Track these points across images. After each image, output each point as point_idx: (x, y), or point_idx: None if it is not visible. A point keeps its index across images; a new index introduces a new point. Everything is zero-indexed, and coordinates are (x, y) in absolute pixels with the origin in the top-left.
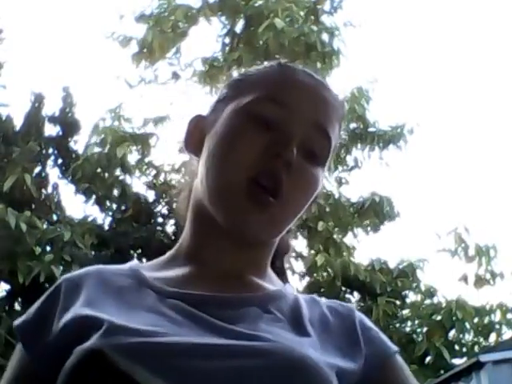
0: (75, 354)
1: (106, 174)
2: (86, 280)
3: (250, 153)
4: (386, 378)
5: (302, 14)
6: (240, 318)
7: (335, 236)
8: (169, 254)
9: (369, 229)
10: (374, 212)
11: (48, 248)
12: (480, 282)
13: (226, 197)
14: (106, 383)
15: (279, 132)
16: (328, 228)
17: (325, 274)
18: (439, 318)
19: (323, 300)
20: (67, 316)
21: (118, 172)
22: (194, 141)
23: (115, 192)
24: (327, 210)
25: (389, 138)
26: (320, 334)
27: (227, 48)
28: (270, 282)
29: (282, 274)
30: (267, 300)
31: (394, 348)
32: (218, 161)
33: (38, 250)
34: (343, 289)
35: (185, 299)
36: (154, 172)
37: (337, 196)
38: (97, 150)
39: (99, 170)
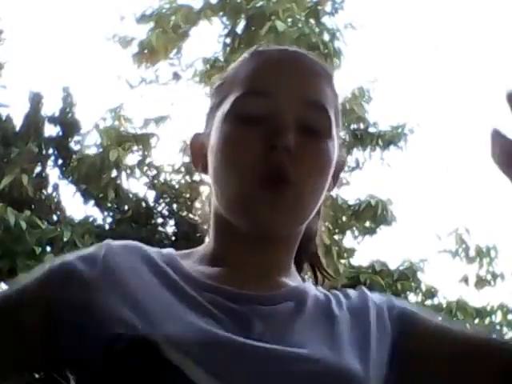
0: (123, 340)
1: (103, 176)
2: (129, 258)
3: (248, 154)
4: (413, 335)
5: (303, 14)
6: (276, 317)
7: (326, 238)
8: (195, 252)
9: (367, 231)
10: (371, 215)
11: (48, 248)
12: (481, 282)
13: (242, 203)
14: (156, 375)
15: (269, 123)
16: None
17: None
18: (440, 318)
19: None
20: (114, 312)
21: (114, 173)
22: (198, 160)
23: (112, 193)
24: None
25: (389, 139)
26: (351, 331)
27: (228, 48)
28: (293, 279)
29: (310, 261)
30: (295, 295)
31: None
32: (222, 174)
33: (38, 249)
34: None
35: (221, 294)
36: (154, 172)
37: (335, 198)
38: (94, 150)
39: (95, 171)
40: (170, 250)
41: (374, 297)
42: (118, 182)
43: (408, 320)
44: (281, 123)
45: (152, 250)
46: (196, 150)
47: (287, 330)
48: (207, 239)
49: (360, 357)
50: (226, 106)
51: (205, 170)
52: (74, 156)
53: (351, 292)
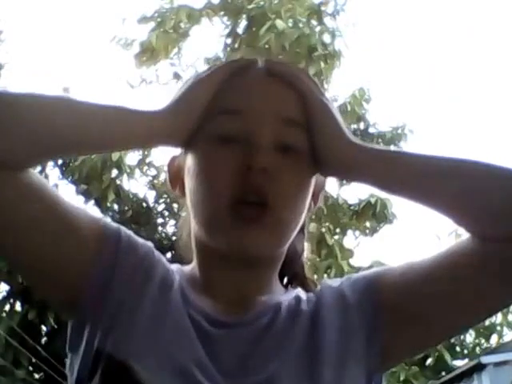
0: (110, 361)
1: (104, 176)
2: (157, 269)
3: (224, 177)
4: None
5: (304, 15)
6: (245, 339)
7: (327, 237)
8: (184, 271)
9: (367, 231)
10: (371, 214)
11: None
12: None
13: (218, 225)
14: None
15: (243, 143)
16: (320, 230)
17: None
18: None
19: (303, 297)
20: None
21: (115, 173)
22: (176, 182)
23: (113, 194)
24: (325, 212)
25: (389, 139)
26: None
27: (229, 48)
28: (276, 295)
29: (297, 281)
30: (268, 310)
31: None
32: (198, 196)
33: None
34: None
35: (203, 316)
36: (154, 172)
37: (335, 198)
38: None
39: (96, 171)
40: (177, 269)
41: (328, 289)
42: (119, 182)
43: (371, 287)
44: (256, 142)
45: (170, 271)
46: (173, 172)
47: (255, 352)
48: (192, 265)
49: (334, 365)
50: (201, 125)
51: (182, 193)
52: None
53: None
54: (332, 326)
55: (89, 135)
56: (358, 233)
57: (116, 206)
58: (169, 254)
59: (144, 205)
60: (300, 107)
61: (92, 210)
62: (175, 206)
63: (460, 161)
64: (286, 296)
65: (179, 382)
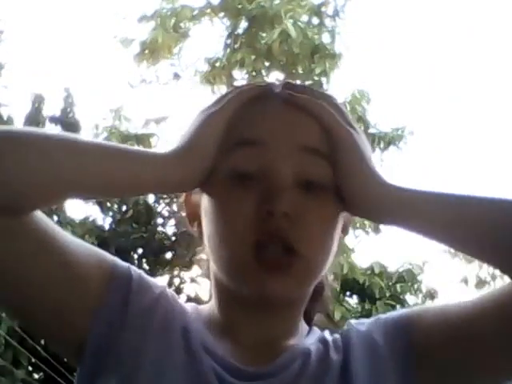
0: None
1: None
2: (157, 310)
3: (243, 221)
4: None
5: (305, 16)
6: None
7: None
8: (201, 312)
9: (369, 230)
10: None
11: None
12: (480, 283)
13: (240, 271)
14: None
15: (263, 181)
16: None
17: None
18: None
19: (329, 337)
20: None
21: None
22: (194, 219)
23: None
24: None
25: (389, 140)
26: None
27: (229, 49)
28: (300, 338)
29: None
30: (297, 355)
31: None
32: (216, 242)
33: None
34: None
35: (226, 368)
36: None
37: None
38: None
39: None
40: (191, 310)
41: (356, 332)
42: None
43: (402, 328)
44: (276, 182)
45: (177, 312)
46: (190, 208)
47: None
48: (211, 304)
49: None
50: (216, 163)
51: (200, 230)
52: None
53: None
54: (363, 373)
55: (92, 183)
56: (358, 232)
57: (116, 206)
58: (169, 254)
59: (144, 205)
60: (324, 138)
61: (92, 209)
62: (175, 206)
63: (484, 201)
64: (310, 338)
65: None
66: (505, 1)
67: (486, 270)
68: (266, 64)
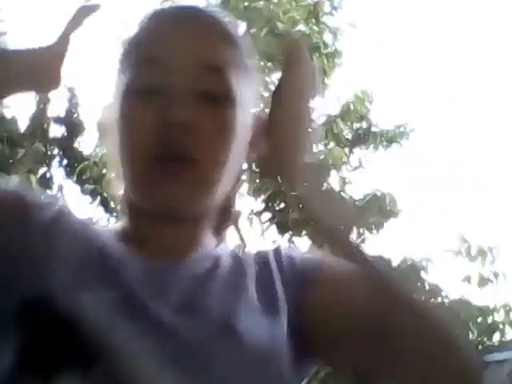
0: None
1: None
2: (65, 222)
3: (144, 134)
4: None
5: (303, 15)
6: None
7: None
8: (112, 229)
9: (373, 227)
10: (377, 209)
11: None
12: (483, 281)
13: (142, 185)
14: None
15: (161, 95)
16: None
17: None
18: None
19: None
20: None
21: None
22: (104, 135)
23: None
24: None
25: (392, 138)
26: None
27: None
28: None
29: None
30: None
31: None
32: (120, 154)
33: None
34: None
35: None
36: None
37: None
38: (104, 151)
39: (107, 171)
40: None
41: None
42: None
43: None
44: (173, 94)
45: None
46: (103, 123)
47: (200, 293)
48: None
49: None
50: (121, 79)
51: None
52: (78, 157)
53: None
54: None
55: None
56: (361, 230)
57: (119, 207)
58: None
59: None
60: (223, 52)
61: (97, 210)
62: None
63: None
64: (221, 250)
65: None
66: (505, 1)
67: (488, 269)
68: (267, 64)
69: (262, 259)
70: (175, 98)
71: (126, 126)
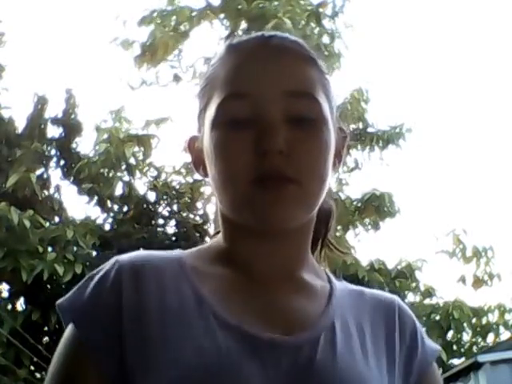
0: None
1: (111, 174)
2: (145, 279)
3: (241, 163)
4: None
5: (304, 16)
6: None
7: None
8: (206, 250)
9: (369, 227)
10: (375, 208)
11: (50, 248)
12: (478, 282)
13: (244, 205)
14: None
15: (256, 126)
16: None
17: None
18: (437, 318)
19: (366, 291)
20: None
21: (120, 173)
22: (199, 164)
23: (118, 193)
24: None
25: (388, 138)
26: (370, 340)
27: None
28: (314, 273)
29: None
30: (328, 320)
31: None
32: (218, 183)
33: (40, 248)
34: None
35: (251, 340)
36: (155, 173)
37: (338, 194)
38: (102, 150)
39: (104, 170)
40: (182, 257)
41: (405, 313)
42: (127, 180)
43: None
44: (268, 124)
45: (167, 268)
46: (194, 153)
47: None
48: (219, 236)
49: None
50: (211, 111)
51: (206, 174)
52: (76, 157)
53: (377, 295)
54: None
55: None
56: (359, 229)
57: (117, 207)
58: None
59: (145, 205)
60: (309, 76)
61: (93, 210)
62: (176, 206)
63: None
64: (338, 285)
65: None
66: (505, 1)
67: (483, 270)
68: None
69: (383, 305)
70: (272, 127)
71: (221, 156)
